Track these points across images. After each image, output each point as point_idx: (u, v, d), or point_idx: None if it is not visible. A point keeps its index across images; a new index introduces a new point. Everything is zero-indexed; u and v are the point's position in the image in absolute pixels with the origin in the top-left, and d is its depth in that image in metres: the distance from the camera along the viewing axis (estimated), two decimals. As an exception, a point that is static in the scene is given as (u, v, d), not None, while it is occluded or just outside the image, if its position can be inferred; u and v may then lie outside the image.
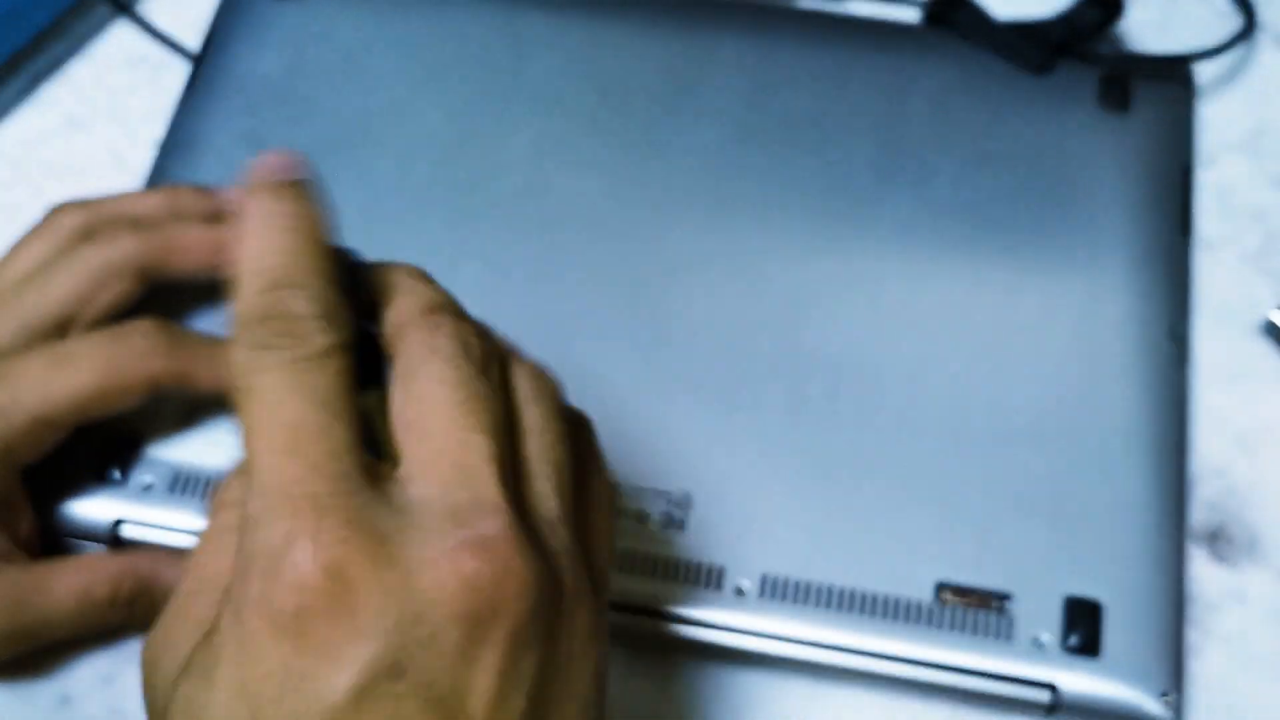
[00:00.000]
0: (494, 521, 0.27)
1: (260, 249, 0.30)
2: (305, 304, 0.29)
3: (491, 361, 0.30)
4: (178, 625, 0.29)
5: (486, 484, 0.27)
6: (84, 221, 0.42)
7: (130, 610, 0.40)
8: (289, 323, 0.28)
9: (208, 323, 0.44)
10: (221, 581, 0.28)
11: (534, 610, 0.27)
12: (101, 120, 0.53)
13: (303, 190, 0.31)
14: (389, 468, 0.28)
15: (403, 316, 0.31)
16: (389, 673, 0.25)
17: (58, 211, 0.43)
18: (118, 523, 0.42)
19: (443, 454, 0.28)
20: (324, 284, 0.30)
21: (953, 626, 0.41)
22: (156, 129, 0.52)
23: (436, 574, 0.26)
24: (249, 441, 0.28)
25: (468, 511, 0.27)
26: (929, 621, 0.41)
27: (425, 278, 0.33)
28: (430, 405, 0.28)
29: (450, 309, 0.31)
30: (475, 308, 0.46)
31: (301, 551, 0.26)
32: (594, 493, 0.32)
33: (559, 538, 0.29)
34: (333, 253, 0.31)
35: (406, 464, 0.28)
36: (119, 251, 0.41)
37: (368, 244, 0.34)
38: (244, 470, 0.28)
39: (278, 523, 0.26)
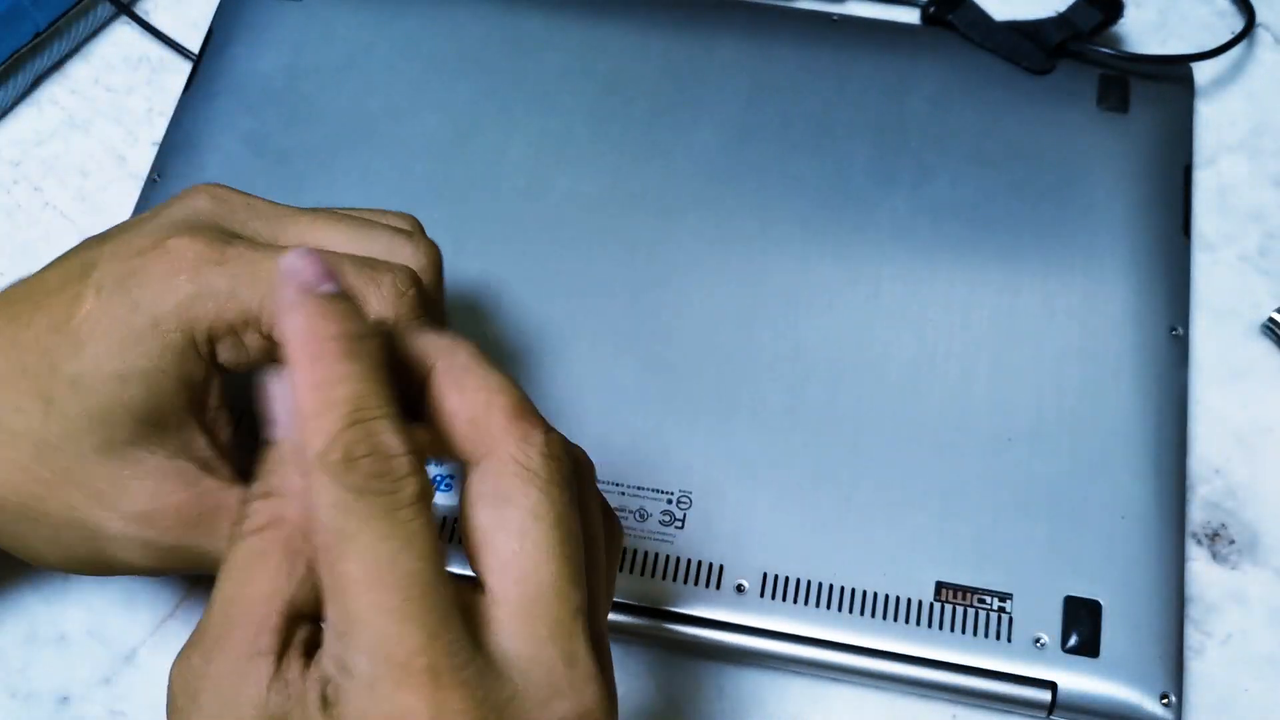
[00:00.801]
0: (588, 693, 0.28)
1: (324, 378, 0.28)
2: (395, 441, 0.27)
3: (574, 477, 0.30)
4: (221, 657, 0.28)
5: (577, 644, 0.29)
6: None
7: None
8: (382, 463, 0.27)
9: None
10: (264, 610, 0.28)
11: None
12: (101, 120, 0.53)
13: (349, 306, 0.29)
14: (475, 597, 0.29)
15: (488, 422, 0.30)
16: None
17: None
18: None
19: (539, 605, 0.28)
20: (398, 413, 0.28)
21: (953, 626, 0.41)
22: (156, 129, 0.52)
23: None
24: (351, 594, 0.27)
25: (565, 682, 0.28)
26: (929, 621, 0.41)
27: (486, 361, 0.31)
28: (529, 546, 0.29)
29: (533, 414, 0.30)
30: (476, 308, 0.46)
31: None
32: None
33: (607, 656, 0.31)
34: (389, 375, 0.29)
35: (501, 605, 0.28)
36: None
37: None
38: (336, 606, 0.27)
39: (398, 694, 0.26)
